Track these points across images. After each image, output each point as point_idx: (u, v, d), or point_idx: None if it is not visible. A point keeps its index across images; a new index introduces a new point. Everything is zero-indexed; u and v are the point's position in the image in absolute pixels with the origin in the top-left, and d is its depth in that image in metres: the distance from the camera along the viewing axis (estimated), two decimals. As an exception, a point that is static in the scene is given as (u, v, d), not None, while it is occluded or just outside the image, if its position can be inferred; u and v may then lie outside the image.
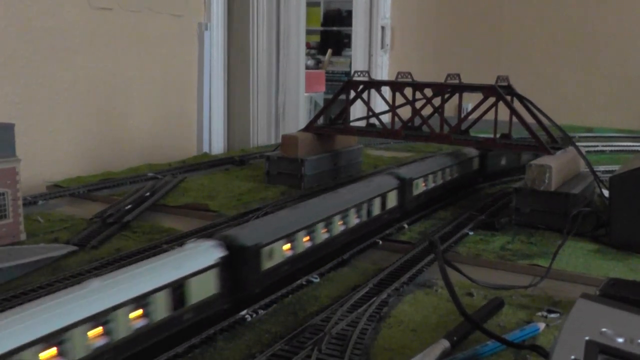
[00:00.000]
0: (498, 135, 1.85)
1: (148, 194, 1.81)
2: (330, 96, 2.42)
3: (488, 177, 2.11)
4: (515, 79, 1.96)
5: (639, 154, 1.87)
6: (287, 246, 1.12)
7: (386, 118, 2.13)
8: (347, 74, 4.49)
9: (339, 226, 1.28)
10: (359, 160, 2.29)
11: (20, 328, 0.69)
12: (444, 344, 0.90)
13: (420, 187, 1.65)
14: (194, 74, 2.82)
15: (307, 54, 4.56)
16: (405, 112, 2.00)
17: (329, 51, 5.11)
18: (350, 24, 4.41)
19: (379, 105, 2.46)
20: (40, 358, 0.70)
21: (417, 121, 1.97)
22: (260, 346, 0.94)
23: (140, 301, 0.82)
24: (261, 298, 1.07)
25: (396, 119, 2.04)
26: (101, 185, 1.96)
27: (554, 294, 1.17)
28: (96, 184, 1.96)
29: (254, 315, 1.04)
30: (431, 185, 1.73)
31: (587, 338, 0.58)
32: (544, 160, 1.64)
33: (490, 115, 1.83)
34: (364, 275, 1.25)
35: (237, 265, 0.99)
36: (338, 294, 1.15)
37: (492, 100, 1.81)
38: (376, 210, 1.43)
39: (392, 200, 1.50)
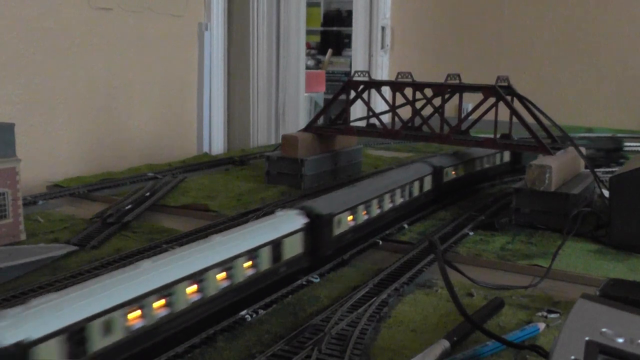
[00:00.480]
0: (498, 136, 1.85)
1: (148, 194, 1.81)
2: (330, 96, 2.42)
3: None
4: (516, 79, 1.96)
5: (639, 154, 1.87)
6: (350, 217, 1.33)
7: (386, 118, 2.13)
8: (347, 74, 4.49)
9: (388, 204, 1.49)
10: (359, 160, 2.29)
11: (135, 283, 0.82)
12: (444, 344, 0.90)
13: (450, 174, 1.87)
14: (194, 74, 2.82)
15: (307, 54, 4.57)
16: (405, 112, 2.00)
17: (329, 51, 5.12)
18: (350, 24, 4.41)
19: (379, 105, 2.46)
20: (187, 292, 0.90)
21: (418, 121, 1.97)
22: (260, 346, 0.94)
23: (251, 254, 1.03)
24: (330, 261, 1.27)
25: (396, 119, 2.04)
26: (101, 185, 1.96)
27: (554, 294, 1.17)
28: (96, 184, 1.97)
29: (254, 315, 1.04)
30: (461, 174, 1.94)
31: (587, 338, 0.58)
32: (544, 160, 1.64)
33: (490, 116, 1.83)
34: (364, 276, 1.25)
35: (316, 230, 1.19)
36: (338, 294, 1.15)
37: (492, 100, 1.81)
38: (415, 191, 1.65)
39: (427, 184, 1.73)
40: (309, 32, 3.79)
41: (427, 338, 0.97)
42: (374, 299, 1.09)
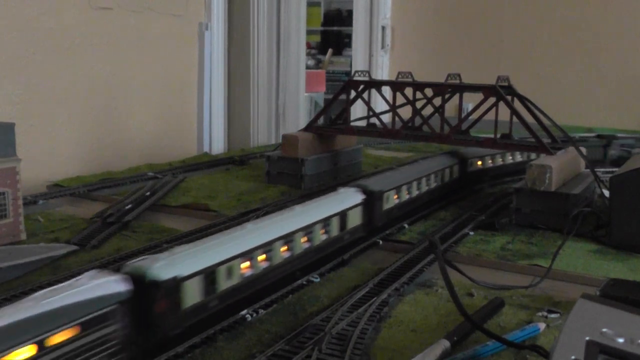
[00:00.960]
0: (498, 135, 1.85)
1: (148, 193, 1.81)
2: (330, 96, 2.42)
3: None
4: (516, 79, 1.96)
5: (639, 154, 1.87)
6: (395, 195, 1.54)
7: (386, 118, 2.13)
8: (348, 73, 4.49)
9: (424, 186, 1.71)
10: (359, 160, 2.29)
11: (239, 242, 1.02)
12: (444, 344, 0.90)
13: (475, 164, 2.05)
14: (194, 73, 2.82)
15: (308, 54, 4.56)
16: (405, 112, 2.00)
17: (329, 51, 5.11)
18: (350, 24, 4.40)
19: (380, 105, 2.46)
20: (259, 259, 1.05)
21: (418, 121, 1.97)
22: (260, 346, 0.94)
23: (325, 222, 1.23)
24: (382, 231, 1.48)
25: (396, 118, 2.04)
26: (101, 185, 1.96)
27: (554, 294, 1.17)
28: (96, 184, 1.97)
29: (254, 315, 1.04)
30: (488, 164, 2.10)
31: (587, 338, 0.58)
32: (544, 160, 1.64)
33: (490, 115, 1.83)
34: (364, 275, 1.25)
35: (370, 204, 1.40)
36: (338, 294, 1.15)
37: (492, 100, 1.81)
38: (447, 177, 1.86)
39: (455, 172, 1.92)
40: (309, 32, 3.78)
41: (427, 338, 0.97)
42: (374, 299, 1.09)
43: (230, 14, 2.97)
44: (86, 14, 2.30)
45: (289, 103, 3.21)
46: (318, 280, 1.22)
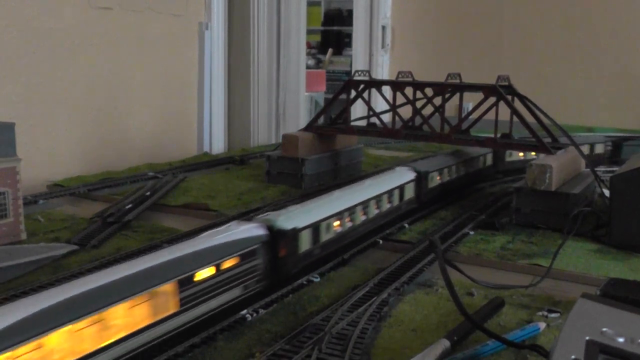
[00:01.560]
0: (499, 135, 1.85)
1: (148, 193, 1.81)
2: (330, 96, 2.42)
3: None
4: (516, 79, 1.96)
5: (639, 154, 1.86)
6: (438, 177, 1.79)
7: (387, 117, 2.13)
8: (348, 73, 4.49)
9: (461, 172, 1.95)
10: (359, 159, 2.29)
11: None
12: (445, 343, 0.90)
13: (516, 154, 2.19)
14: (195, 73, 2.82)
15: (308, 54, 4.56)
16: (405, 112, 2.00)
17: (330, 51, 5.12)
18: (350, 24, 4.40)
19: (380, 104, 2.46)
20: (346, 220, 1.32)
21: (418, 121, 1.96)
22: (260, 346, 0.94)
23: (390, 193, 1.52)
24: (425, 208, 1.73)
25: (397, 118, 2.04)
26: (101, 184, 1.96)
27: (555, 294, 1.17)
28: (96, 184, 1.97)
29: (255, 314, 1.04)
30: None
31: (587, 338, 0.58)
32: (545, 160, 1.64)
33: (491, 115, 1.83)
34: (364, 275, 1.25)
35: (419, 182, 1.67)
36: (338, 294, 1.15)
37: (492, 99, 1.81)
38: (480, 165, 2.06)
39: (488, 161, 2.12)
40: (309, 32, 3.78)
41: (427, 337, 0.97)
42: (374, 299, 1.09)
43: (230, 14, 2.97)
44: (86, 13, 2.29)
45: (289, 103, 3.21)
46: (318, 279, 1.22)
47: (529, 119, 1.83)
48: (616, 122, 3.58)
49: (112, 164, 2.33)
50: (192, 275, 0.92)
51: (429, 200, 1.73)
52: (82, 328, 0.74)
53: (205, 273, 0.95)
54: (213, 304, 0.97)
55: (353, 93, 2.03)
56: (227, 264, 0.99)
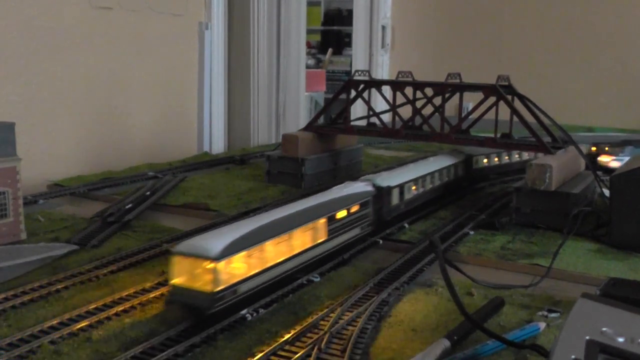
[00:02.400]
0: (499, 135, 1.85)
1: (148, 193, 1.81)
2: (330, 95, 2.42)
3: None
4: (516, 79, 1.96)
5: (639, 154, 1.87)
6: (485, 160, 2.09)
7: (387, 117, 2.13)
8: (348, 73, 4.48)
9: (503, 159, 2.17)
10: (359, 159, 2.29)
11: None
12: (445, 343, 0.90)
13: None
14: (195, 73, 2.82)
15: (308, 54, 4.56)
16: (405, 112, 2.00)
17: (330, 50, 5.11)
18: (350, 24, 4.40)
19: (380, 104, 2.46)
20: (420, 185, 1.68)
21: (418, 121, 1.97)
22: (260, 345, 0.94)
23: (447, 169, 1.84)
24: (473, 185, 2.05)
25: (397, 118, 2.04)
26: (102, 184, 1.96)
27: (555, 294, 1.17)
28: (97, 183, 1.97)
29: (255, 314, 1.04)
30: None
31: (587, 337, 0.58)
32: (545, 159, 1.64)
33: (490, 115, 1.83)
34: (364, 275, 1.25)
35: (466, 163, 1.98)
36: (338, 294, 1.15)
37: (492, 99, 1.81)
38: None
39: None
40: (309, 31, 3.78)
41: (427, 337, 0.97)
42: (374, 298, 1.09)
43: (230, 14, 2.97)
44: (86, 13, 2.29)
45: (289, 103, 3.21)
46: (318, 279, 1.22)
47: (529, 119, 1.83)
48: (616, 122, 3.58)
49: (112, 164, 2.33)
50: (335, 214, 1.27)
51: (472, 181, 1.99)
52: (280, 242, 1.10)
53: (341, 214, 1.29)
54: (344, 237, 1.32)
55: (353, 93, 2.03)
56: (353, 209, 1.34)
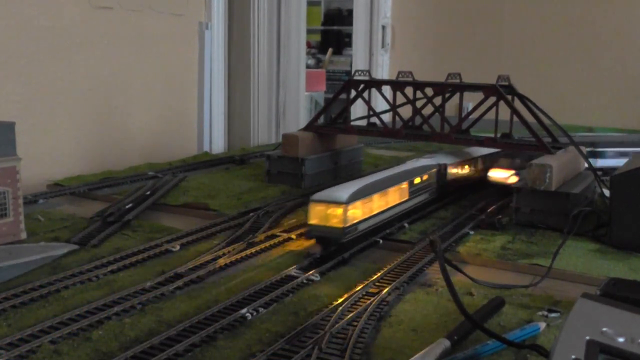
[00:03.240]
0: (499, 135, 1.85)
1: (148, 193, 1.81)
2: (330, 95, 2.42)
3: None
4: (516, 79, 1.96)
5: (639, 154, 1.86)
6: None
7: (387, 117, 2.13)
8: (348, 73, 4.49)
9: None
10: (359, 159, 2.29)
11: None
12: (445, 343, 0.90)
13: None
14: (195, 73, 2.82)
15: (308, 53, 4.57)
16: (405, 112, 2.00)
17: (330, 50, 5.12)
18: (350, 23, 4.40)
19: (380, 104, 2.46)
20: (475, 165, 1.99)
21: (418, 120, 1.97)
22: (260, 345, 0.94)
23: (484, 157, 2.05)
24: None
25: (397, 118, 2.04)
26: (102, 184, 1.96)
27: (555, 294, 1.17)
28: (97, 183, 1.96)
29: (255, 314, 1.04)
30: None
31: (587, 337, 0.58)
32: (545, 159, 1.64)
33: (491, 115, 1.83)
34: (364, 275, 1.25)
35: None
36: (338, 293, 1.15)
37: (492, 99, 1.81)
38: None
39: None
40: (309, 31, 3.78)
41: (427, 337, 0.97)
42: (374, 298, 1.09)
43: (231, 13, 2.97)
44: (86, 13, 2.29)
45: (289, 102, 3.21)
46: (318, 279, 1.22)
47: (529, 118, 1.83)
48: (616, 121, 3.58)
49: (112, 164, 2.33)
50: (413, 180, 1.61)
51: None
52: (381, 196, 1.45)
53: (417, 180, 1.63)
54: (419, 199, 1.65)
55: (353, 93, 2.03)
56: (425, 177, 1.67)
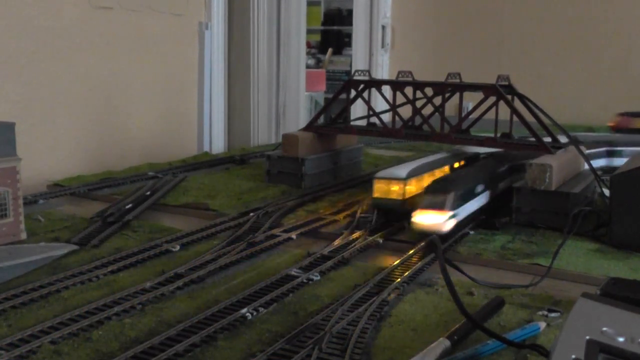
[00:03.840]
0: (499, 135, 1.85)
1: (148, 193, 1.81)
2: (330, 95, 2.42)
3: None
4: (516, 78, 1.96)
5: (639, 154, 1.86)
6: None
7: (387, 117, 2.13)
8: (348, 73, 4.48)
9: None
10: (359, 159, 2.29)
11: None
12: (445, 343, 0.90)
13: None
14: (195, 73, 2.82)
15: (308, 53, 4.56)
16: (405, 112, 2.00)
17: (330, 50, 5.11)
18: (350, 23, 4.40)
19: (380, 104, 2.46)
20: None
21: (418, 120, 1.96)
22: (260, 345, 0.94)
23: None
24: None
25: (397, 118, 2.04)
26: (102, 184, 1.96)
27: (555, 293, 1.17)
28: (97, 183, 1.97)
29: (255, 313, 1.04)
30: None
31: (587, 337, 0.58)
32: (545, 159, 1.64)
33: (491, 115, 1.83)
34: (364, 274, 1.25)
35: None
36: (339, 293, 1.15)
37: (492, 99, 1.81)
38: None
39: None
40: (309, 31, 3.78)
41: (427, 337, 0.97)
42: (374, 298, 1.09)
43: (231, 13, 2.97)
44: (86, 13, 2.30)
45: (289, 102, 3.21)
46: (318, 279, 1.22)
47: (529, 118, 1.83)
48: (616, 121, 3.58)
49: (112, 164, 2.33)
50: (453, 164, 1.81)
51: None
52: (429, 176, 1.66)
53: (456, 164, 1.83)
54: None
55: (353, 93, 2.03)
56: (462, 163, 1.86)
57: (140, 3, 2.50)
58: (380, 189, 1.59)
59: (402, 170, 1.61)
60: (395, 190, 1.58)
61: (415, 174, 1.62)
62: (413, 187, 1.61)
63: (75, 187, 1.91)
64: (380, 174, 1.61)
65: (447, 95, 1.90)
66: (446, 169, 1.78)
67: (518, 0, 4.11)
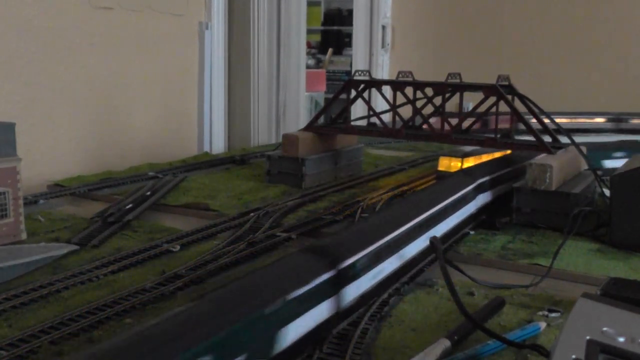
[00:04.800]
0: (499, 135, 1.85)
1: (149, 193, 1.81)
2: (330, 95, 2.42)
3: None
4: (516, 78, 1.96)
5: (639, 154, 1.86)
6: None
7: (387, 117, 2.13)
8: (348, 73, 4.49)
9: None
10: (359, 159, 2.29)
11: None
12: (445, 343, 0.90)
13: None
14: (195, 73, 2.82)
15: (308, 53, 4.57)
16: (406, 112, 2.00)
17: (330, 50, 5.12)
18: (350, 23, 4.40)
19: (380, 104, 2.46)
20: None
21: (418, 120, 1.97)
22: (261, 345, 0.94)
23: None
24: None
25: (397, 118, 2.04)
26: (102, 184, 1.96)
27: (555, 294, 1.17)
28: (97, 183, 1.97)
29: (255, 314, 1.04)
30: None
31: (588, 337, 0.58)
32: (545, 159, 1.64)
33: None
34: (364, 275, 1.25)
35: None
36: (339, 293, 1.14)
37: (493, 99, 1.81)
38: None
39: None
40: (309, 31, 3.78)
41: (427, 337, 0.97)
42: (374, 299, 1.09)
43: (231, 14, 2.97)
44: (86, 13, 2.29)
45: (290, 102, 3.21)
46: (318, 279, 1.21)
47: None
48: (616, 121, 3.58)
49: (112, 164, 2.33)
50: (462, 163, 1.97)
51: None
52: (486, 156, 2.01)
53: (467, 163, 1.95)
54: None
55: (353, 93, 2.03)
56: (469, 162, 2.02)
57: (140, 3, 2.50)
58: (445, 163, 1.99)
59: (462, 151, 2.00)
60: (455, 165, 1.96)
61: (471, 154, 1.99)
62: (470, 163, 1.92)
63: (76, 187, 1.91)
64: (444, 152, 2.06)
65: (447, 95, 1.90)
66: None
67: (518, 0, 4.11)
